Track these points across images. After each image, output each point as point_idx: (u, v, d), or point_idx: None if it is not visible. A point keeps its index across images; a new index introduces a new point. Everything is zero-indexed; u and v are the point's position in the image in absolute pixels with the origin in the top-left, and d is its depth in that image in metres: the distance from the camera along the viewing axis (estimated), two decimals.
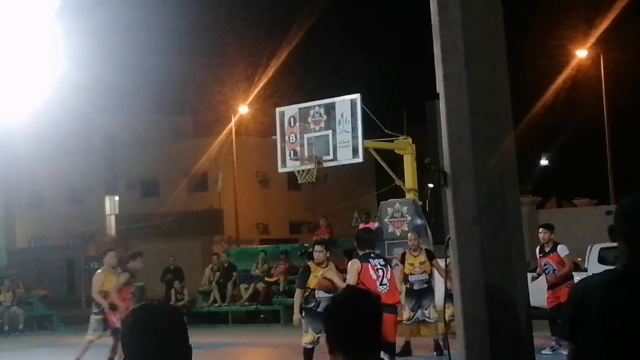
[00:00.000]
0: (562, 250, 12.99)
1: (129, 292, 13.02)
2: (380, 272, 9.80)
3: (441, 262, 12.36)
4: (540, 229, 13.05)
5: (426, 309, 13.34)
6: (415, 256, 13.57)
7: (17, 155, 33.99)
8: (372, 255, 9.98)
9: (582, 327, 3.06)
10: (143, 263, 13.37)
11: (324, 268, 10.82)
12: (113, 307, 12.59)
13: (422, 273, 13.48)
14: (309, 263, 11.31)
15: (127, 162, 44.73)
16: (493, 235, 4.23)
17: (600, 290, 3.06)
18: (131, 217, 40.41)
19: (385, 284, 9.75)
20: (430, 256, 13.63)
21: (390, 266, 10.26)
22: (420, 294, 13.44)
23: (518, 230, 4.36)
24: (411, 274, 13.41)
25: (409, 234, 14.23)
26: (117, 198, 47.37)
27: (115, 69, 33.34)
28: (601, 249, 20.12)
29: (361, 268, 9.74)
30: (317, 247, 11.13)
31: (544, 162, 48.41)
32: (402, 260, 13.63)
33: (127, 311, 12.01)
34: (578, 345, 3.09)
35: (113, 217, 45.83)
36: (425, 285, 13.44)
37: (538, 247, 13.37)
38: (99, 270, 13.11)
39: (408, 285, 13.32)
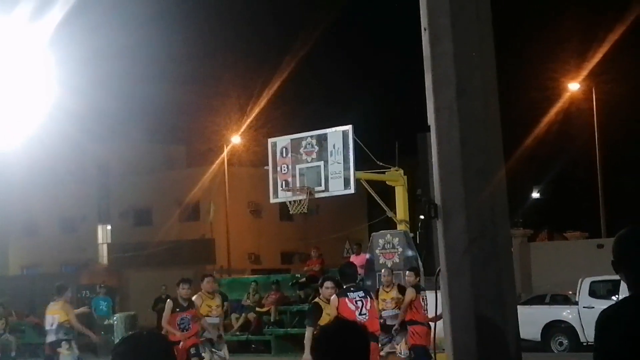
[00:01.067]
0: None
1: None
2: (360, 302, 9.85)
3: (431, 294, 12.35)
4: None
5: (397, 344, 13.56)
6: (387, 292, 13.99)
7: (11, 183, 33.96)
8: (351, 288, 9.98)
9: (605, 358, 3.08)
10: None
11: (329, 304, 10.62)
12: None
13: (394, 308, 13.83)
14: (318, 300, 10.47)
15: (121, 190, 44.69)
16: (484, 267, 4.22)
17: (625, 319, 3.11)
18: (123, 245, 40.30)
19: (365, 314, 9.80)
20: (402, 291, 13.86)
21: (370, 297, 10.25)
22: (392, 329, 13.73)
23: (508, 262, 4.35)
24: (383, 310, 13.71)
25: (383, 271, 14.59)
26: (109, 227, 47.25)
27: (109, 97, 33.46)
28: (592, 282, 20.12)
29: (338, 303, 9.79)
30: (328, 284, 10.48)
31: (535, 194, 48.49)
32: (376, 296, 13.78)
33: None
34: None
35: (105, 246, 45.68)
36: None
37: None
38: (196, 296, 12.61)
39: (381, 320, 13.37)
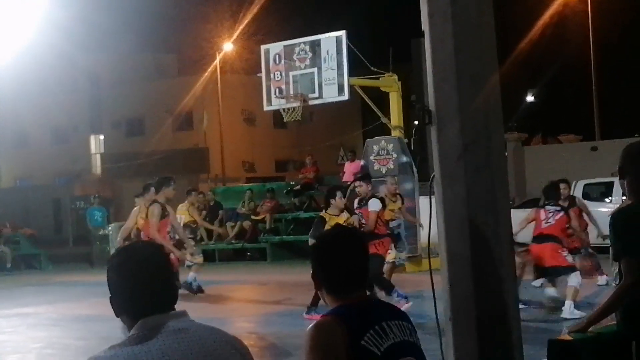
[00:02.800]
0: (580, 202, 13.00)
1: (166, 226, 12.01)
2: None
3: (425, 200, 12.52)
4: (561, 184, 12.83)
5: (402, 251, 13.85)
6: (394, 201, 13.79)
7: (2, 95, 33.70)
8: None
9: None
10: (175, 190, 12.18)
11: (337, 217, 10.56)
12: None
13: (398, 218, 14.10)
14: (322, 214, 10.87)
15: (112, 101, 44.46)
16: (477, 173, 4.25)
17: None
18: (116, 155, 40.37)
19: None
20: (402, 200, 14.04)
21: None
22: (399, 237, 14.10)
23: (502, 168, 4.38)
24: (392, 220, 13.62)
25: (388, 179, 14.24)
26: (102, 137, 47.17)
27: (98, 8, 32.88)
28: (585, 185, 20.29)
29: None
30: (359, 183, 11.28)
31: (530, 98, 48.42)
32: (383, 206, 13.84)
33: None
34: None
35: (98, 156, 45.71)
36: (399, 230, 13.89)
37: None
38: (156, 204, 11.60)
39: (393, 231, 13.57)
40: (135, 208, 12.55)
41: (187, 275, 13.92)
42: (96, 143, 47.70)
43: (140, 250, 2.67)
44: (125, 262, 2.61)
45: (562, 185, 12.40)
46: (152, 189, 11.79)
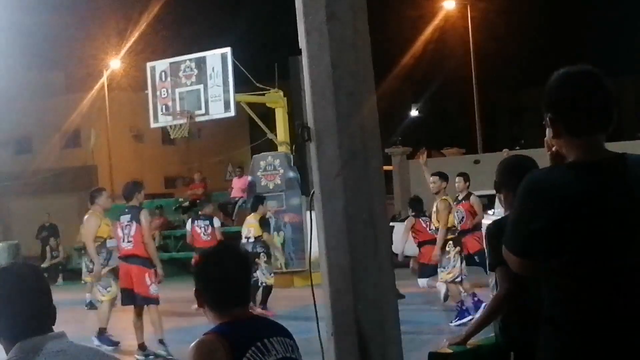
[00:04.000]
0: (474, 200, 13.08)
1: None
2: (127, 229, 9.89)
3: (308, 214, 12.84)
4: (456, 177, 13.14)
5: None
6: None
7: None
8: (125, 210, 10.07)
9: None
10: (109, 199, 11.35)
11: None
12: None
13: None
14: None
15: None
16: (356, 189, 4.32)
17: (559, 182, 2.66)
18: (3, 174, 39.05)
19: (131, 241, 9.87)
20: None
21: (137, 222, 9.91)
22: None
23: (380, 184, 4.46)
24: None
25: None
26: None
27: None
28: None
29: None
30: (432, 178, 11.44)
31: (414, 112, 49.43)
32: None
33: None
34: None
35: None
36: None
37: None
38: (90, 214, 10.74)
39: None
40: (88, 216, 10.97)
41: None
42: None
43: (16, 272, 2.59)
44: (1, 285, 2.54)
45: (457, 179, 12.78)
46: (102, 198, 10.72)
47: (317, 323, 4.24)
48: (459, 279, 10.87)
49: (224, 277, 3.06)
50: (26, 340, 2.49)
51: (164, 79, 18.34)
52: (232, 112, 17.58)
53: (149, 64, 18.91)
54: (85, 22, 44.43)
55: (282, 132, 18.34)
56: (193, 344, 2.94)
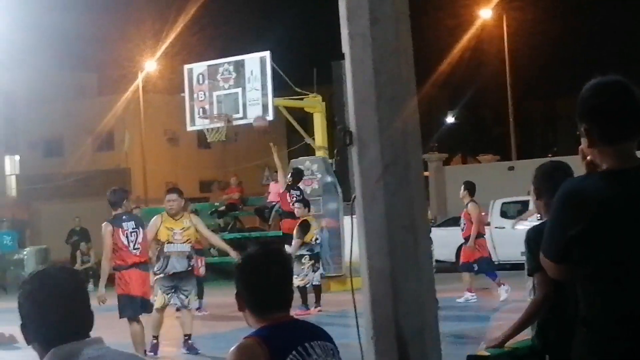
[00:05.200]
0: (471, 207, 13.54)
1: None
2: (133, 236, 9.79)
3: (348, 219, 13.11)
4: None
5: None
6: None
7: None
8: (123, 217, 9.84)
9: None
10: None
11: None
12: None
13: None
14: (307, 218, 13.69)
15: (29, 120, 43.38)
16: (396, 193, 4.33)
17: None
18: (33, 177, 39.38)
19: (139, 248, 9.82)
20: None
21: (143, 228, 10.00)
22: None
23: (420, 188, 4.47)
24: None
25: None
26: (17, 157, 45.97)
27: (14, 24, 32.16)
28: (503, 203, 20.81)
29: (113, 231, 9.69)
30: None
31: (450, 119, 49.32)
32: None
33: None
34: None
35: (13, 178, 44.50)
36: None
37: None
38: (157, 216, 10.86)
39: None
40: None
41: None
42: (11, 164, 46.42)
43: (53, 276, 2.55)
44: (37, 288, 2.50)
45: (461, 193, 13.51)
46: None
47: (357, 327, 4.25)
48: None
49: (266, 281, 3.06)
50: (62, 346, 2.45)
51: (201, 82, 18.44)
52: (270, 116, 17.65)
53: (186, 67, 19.04)
54: (120, 23, 44.86)
55: (320, 136, 18.38)
56: (233, 347, 2.93)
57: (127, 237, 9.77)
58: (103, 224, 9.80)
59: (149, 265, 10.10)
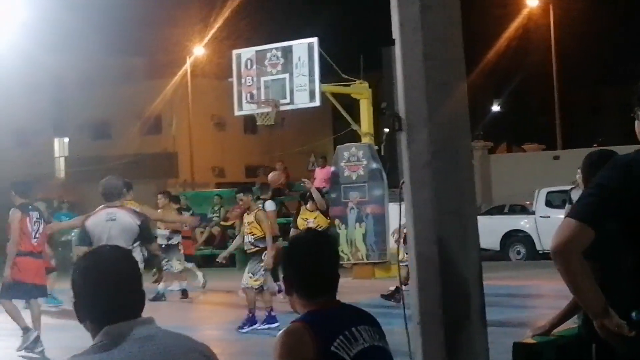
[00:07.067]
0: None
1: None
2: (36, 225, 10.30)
3: (395, 206, 12.86)
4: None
5: None
6: (311, 211, 13.71)
7: None
8: (29, 206, 10.34)
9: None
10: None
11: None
12: None
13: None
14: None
15: (78, 103, 43.91)
16: (445, 179, 4.34)
17: None
18: (82, 159, 39.90)
19: (38, 237, 10.34)
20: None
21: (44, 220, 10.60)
22: None
23: (469, 174, 4.47)
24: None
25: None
26: (66, 140, 46.56)
27: (63, 7, 32.53)
28: (548, 193, 20.64)
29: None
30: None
31: (495, 108, 48.87)
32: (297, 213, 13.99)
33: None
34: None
35: (62, 160, 45.11)
36: None
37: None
38: None
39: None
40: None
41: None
42: (60, 146, 46.99)
43: (107, 255, 2.57)
44: (92, 267, 2.51)
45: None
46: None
47: (404, 312, 4.27)
48: (260, 289, 11.34)
49: (315, 263, 3.07)
50: (113, 325, 2.44)
51: (249, 67, 18.55)
52: (317, 102, 17.71)
53: (234, 52, 19.15)
54: (169, 7, 45.03)
55: (366, 123, 18.38)
56: (280, 332, 2.96)
57: (31, 225, 10.38)
58: (11, 210, 10.27)
59: (42, 255, 10.76)
